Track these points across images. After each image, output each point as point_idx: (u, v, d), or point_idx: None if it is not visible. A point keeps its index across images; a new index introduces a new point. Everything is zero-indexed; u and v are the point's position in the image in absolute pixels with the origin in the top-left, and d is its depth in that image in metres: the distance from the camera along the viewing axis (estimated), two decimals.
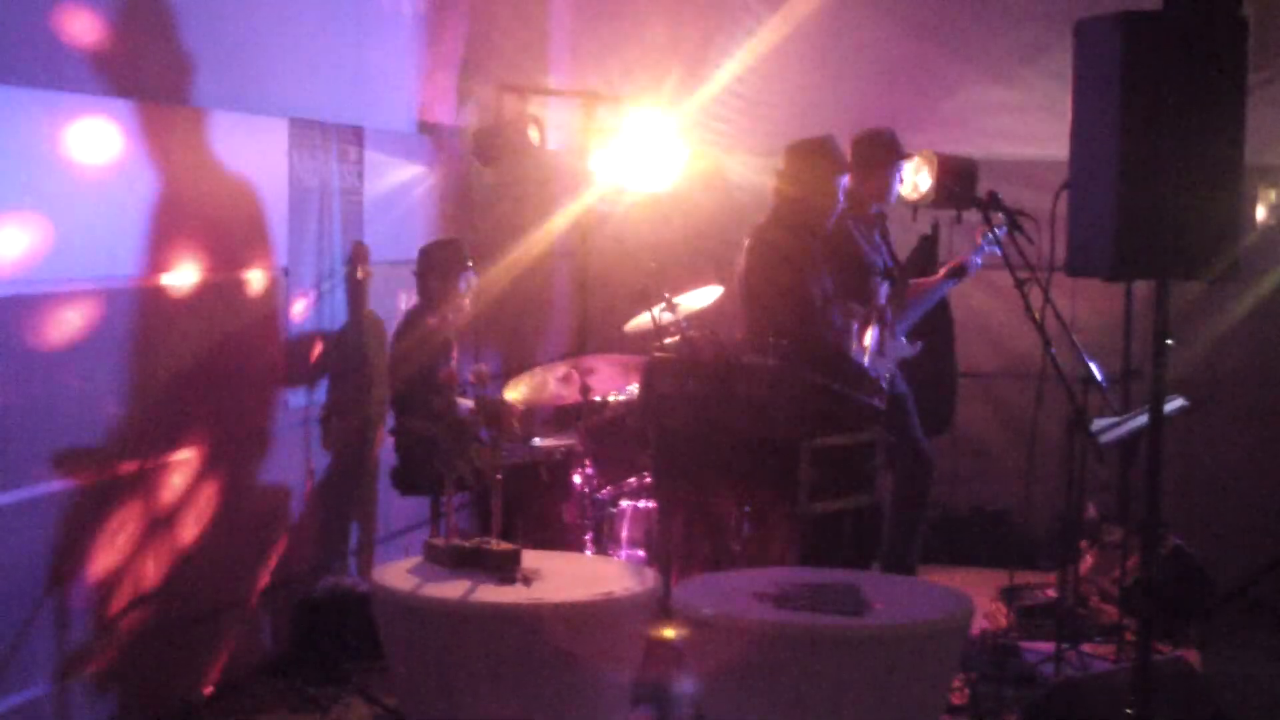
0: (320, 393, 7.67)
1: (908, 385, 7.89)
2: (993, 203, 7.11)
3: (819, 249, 7.39)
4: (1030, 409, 6.66)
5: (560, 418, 9.00)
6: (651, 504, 7.42)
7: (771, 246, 7.33)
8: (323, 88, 7.63)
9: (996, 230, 7.12)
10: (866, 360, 7.40)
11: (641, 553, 7.39)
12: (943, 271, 8.04)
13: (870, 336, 7.45)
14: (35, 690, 5.73)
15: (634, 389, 7.79)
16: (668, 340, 7.29)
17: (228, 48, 6.77)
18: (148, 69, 6.25)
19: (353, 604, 7.15)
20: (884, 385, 7.39)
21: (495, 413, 6.61)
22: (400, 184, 8.54)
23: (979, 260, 7.85)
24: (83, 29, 5.86)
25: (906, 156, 7.81)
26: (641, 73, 10.08)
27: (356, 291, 7.90)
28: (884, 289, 7.67)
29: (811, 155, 7.43)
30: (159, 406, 6.38)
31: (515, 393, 7.75)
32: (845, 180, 7.44)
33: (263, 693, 7.02)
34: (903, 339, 7.84)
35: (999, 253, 7.10)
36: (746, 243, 7.44)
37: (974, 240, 7.82)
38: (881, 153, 7.83)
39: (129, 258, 6.18)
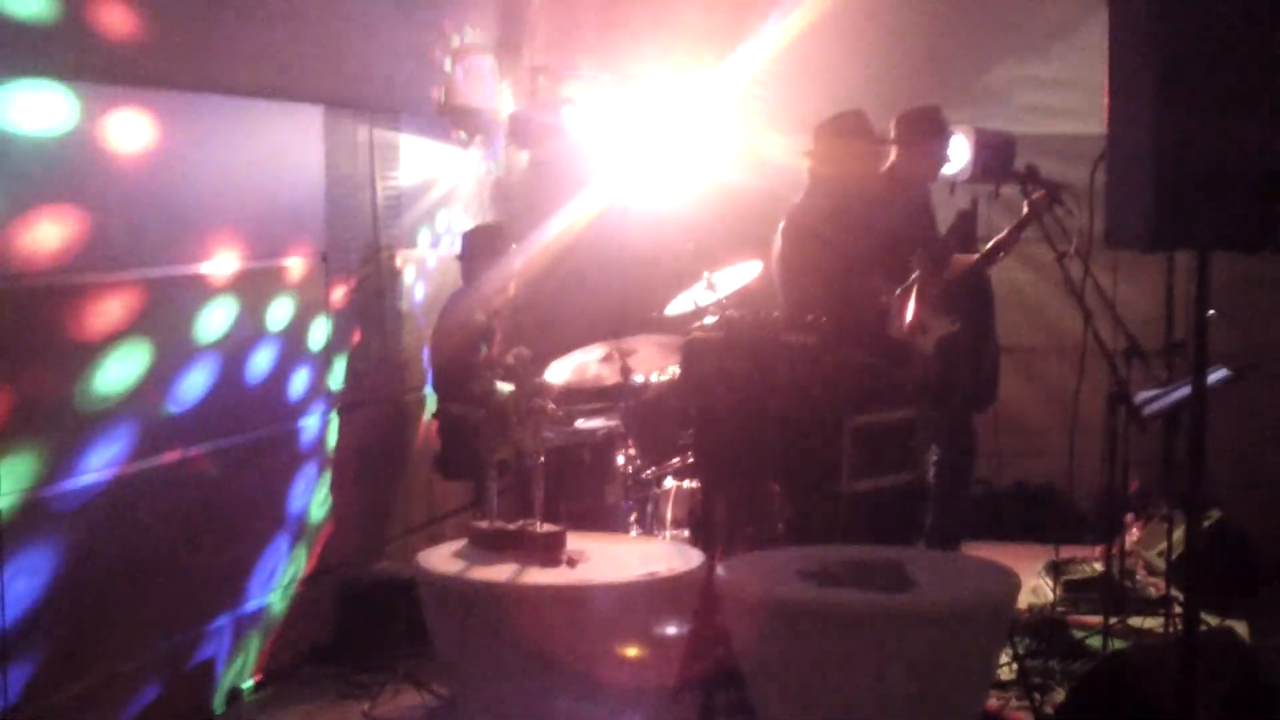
0: (362, 379, 7.68)
1: (950, 361, 7.86)
2: (1031, 176, 7.06)
3: (857, 226, 7.38)
4: (1073, 383, 6.63)
5: (602, 399, 9.01)
6: (695, 484, 7.42)
7: (807, 226, 7.31)
8: (358, 74, 7.64)
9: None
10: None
11: (686, 533, 7.40)
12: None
13: (910, 312, 7.43)
14: (86, 680, 5.76)
15: (675, 369, 7.79)
16: (708, 320, 7.28)
17: (262, 36, 6.78)
18: (183, 58, 6.26)
19: (398, 589, 7.16)
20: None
21: (535, 395, 6.63)
22: (437, 169, 8.55)
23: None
24: (115, 20, 5.87)
25: (951, 133, 7.79)
26: (675, 53, 10.06)
27: (395, 276, 7.92)
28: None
29: (843, 132, 7.41)
30: (201, 395, 6.40)
31: (556, 375, 7.76)
32: (891, 154, 7.43)
33: (310, 679, 7.06)
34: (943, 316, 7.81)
35: None
36: (782, 224, 7.42)
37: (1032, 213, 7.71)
38: (927, 128, 7.79)
39: (168, 247, 6.20)
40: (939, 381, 7.61)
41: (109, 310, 5.84)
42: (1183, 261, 8.11)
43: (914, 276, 7.31)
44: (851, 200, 7.39)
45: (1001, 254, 7.65)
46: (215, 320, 6.48)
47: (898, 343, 7.17)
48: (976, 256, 7.69)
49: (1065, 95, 9.48)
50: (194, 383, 6.35)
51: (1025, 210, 7.29)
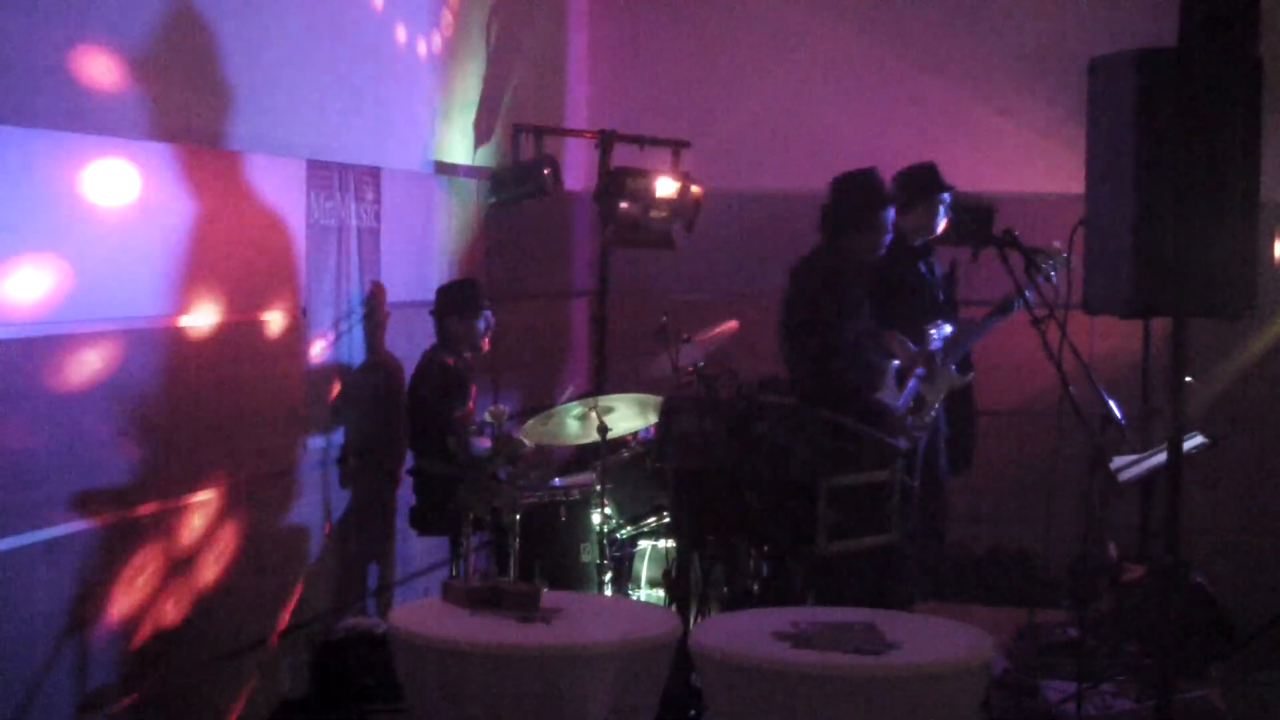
0: (339, 433, 7.67)
1: (967, 417, 7.99)
2: (1009, 240, 7.09)
3: (863, 284, 7.39)
4: (1049, 447, 6.64)
5: (578, 457, 9.00)
6: (670, 544, 7.41)
7: (813, 280, 7.32)
8: (340, 129, 7.65)
9: (1045, 267, 7.16)
10: (901, 400, 7.41)
11: (660, 593, 7.38)
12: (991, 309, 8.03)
13: (911, 380, 7.46)
14: None
15: (652, 428, 7.78)
16: (685, 379, 7.29)
17: (246, 90, 6.79)
18: (165, 111, 6.28)
19: (372, 645, 7.14)
20: (930, 419, 7.43)
21: (511, 452, 6.62)
22: (417, 224, 8.55)
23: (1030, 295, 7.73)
24: (101, 71, 5.89)
25: (948, 188, 7.93)
26: (659, 111, 10.11)
27: (374, 332, 7.92)
28: (942, 326, 7.65)
29: (858, 188, 7.45)
30: (178, 448, 6.38)
31: (533, 432, 7.76)
32: (892, 213, 7.46)
33: None
34: (954, 368, 7.84)
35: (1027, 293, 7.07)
36: (791, 272, 7.41)
37: (1012, 278, 7.72)
38: (924, 184, 7.87)
39: (148, 299, 6.20)
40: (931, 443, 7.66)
41: (86, 360, 5.83)
42: (1159, 326, 8.13)
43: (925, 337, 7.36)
44: (863, 256, 7.40)
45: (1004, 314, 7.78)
46: (192, 372, 6.47)
47: (879, 404, 7.18)
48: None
49: (1045, 158, 9.53)
50: (170, 435, 6.33)
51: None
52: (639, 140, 9.51)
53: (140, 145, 6.11)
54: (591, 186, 9.49)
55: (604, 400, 7.79)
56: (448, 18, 8.88)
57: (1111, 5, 9.40)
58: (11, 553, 5.46)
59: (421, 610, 5.84)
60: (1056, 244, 7.31)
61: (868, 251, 7.49)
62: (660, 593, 7.42)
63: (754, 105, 10.16)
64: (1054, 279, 7.21)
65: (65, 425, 5.73)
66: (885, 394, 7.37)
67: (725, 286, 10.03)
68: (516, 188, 9.00)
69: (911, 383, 7.53)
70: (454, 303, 7.97)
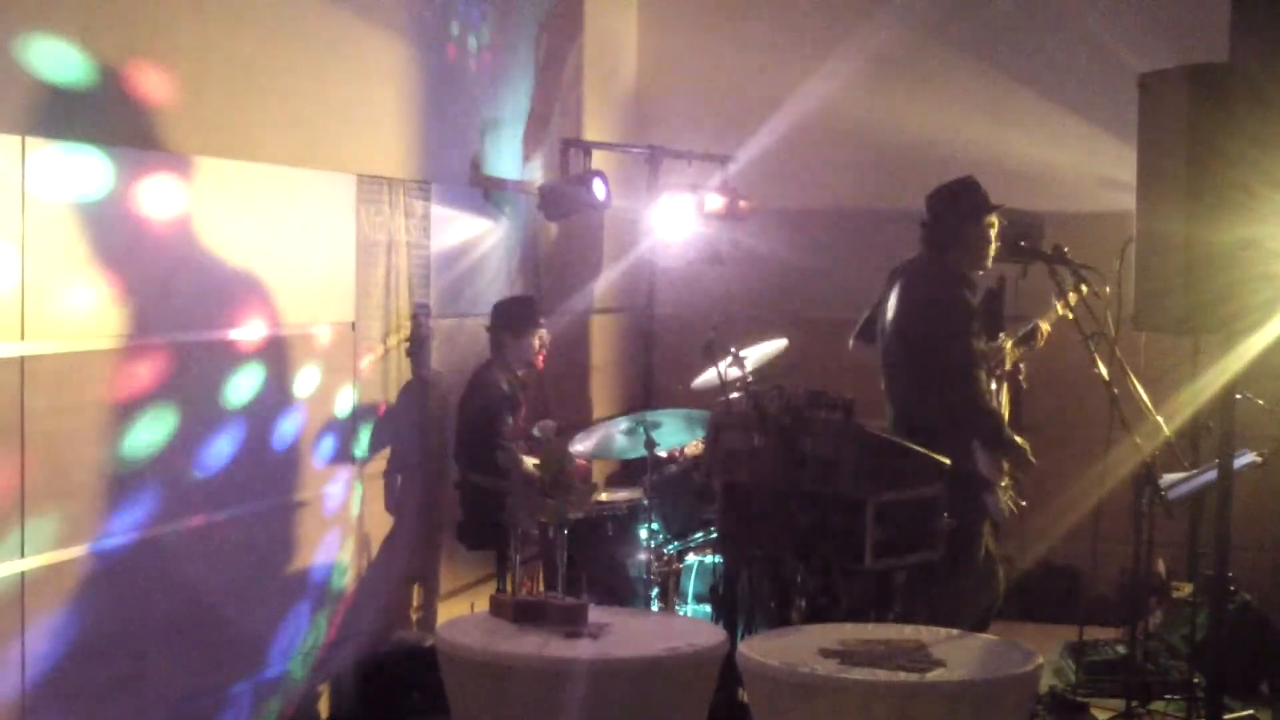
0: (387, 447, 7.69)
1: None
2: (1059, 257, 7.05)
3: (970, 300, 7.08)
4: (1098, 464, 6.61)
5: (626, 472, 9.00)
6: (717, 558, 7.40)
7: (921, 301, 7.08)
8: (390, 144, 7.68)
9: (1064, 286, 7.04)
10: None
11: (707, 608, 7.37)
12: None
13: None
14: None
15: (700, 443, 7.78)
16: (734, 395, 7.27)
17: (296, 105, 6.83)
18: (217, 126, 6.31)
19: (419, 659, 7.15)
20: None
21: (560, 467, 6.63)
22: (466, 239, 8.57)
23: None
24: (151, 87, 5.92)
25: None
26: (705, 127, 10.11)
27: (422, 346, 7.94)
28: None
29: (953, 200, 7.14)
30: (227, 460, 6.41)
31: (581, 447, 7.76)
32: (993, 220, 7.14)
33: None
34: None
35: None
36: (896, 290, 7.16)
37: (1049, 303, 7.59)
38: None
39: (198, 313, 6.23)
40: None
41: (137, 375, 5.87)
42: (1210, 343, 8.08)
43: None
44: (970, 270, 7.14)
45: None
46: (243, 386, 6.50)
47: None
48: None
49: (1094, 175, 9.49)
50: (220, 448, 6.37)
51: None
52: (687, 156, 9.52)
53: (190, 160, 6.15)
54: (640, 202, 9.50)
55: (651, 415, 7.80)
56: (497, 33, 8.91)
57: (1162, 21, 9.36)
58: (60, 565, 5.49)
59: (468, 624, 5.85)
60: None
61: (974, 264, 7.16)
62: (707, 607, 7.41)
63: (801, 120, 10.15)
64: (1102, 296, 7.13)
65: (113, 438, 5.76)
66: None
67: (773, 303, 10.02)
68: (565, 203, 9.01)
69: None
70: (510, 318, 8.00)
